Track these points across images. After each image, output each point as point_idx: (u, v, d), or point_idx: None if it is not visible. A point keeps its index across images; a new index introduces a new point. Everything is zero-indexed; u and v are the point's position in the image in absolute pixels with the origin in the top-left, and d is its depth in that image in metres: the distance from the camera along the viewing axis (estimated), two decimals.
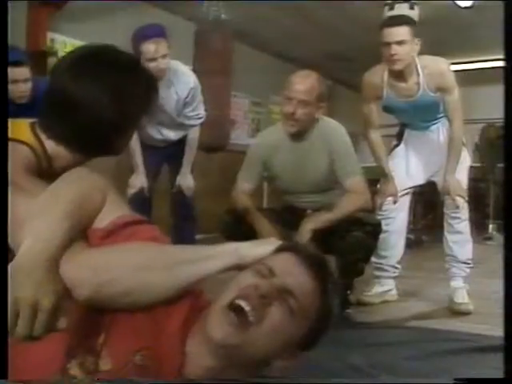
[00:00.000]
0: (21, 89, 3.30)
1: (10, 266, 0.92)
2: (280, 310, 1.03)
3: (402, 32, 2.93)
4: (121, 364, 0.99)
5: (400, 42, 2.92)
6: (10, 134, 1.26)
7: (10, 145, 1.24)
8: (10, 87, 3.22)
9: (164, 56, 3.21)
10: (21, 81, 3.29)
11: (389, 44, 2.94)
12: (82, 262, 1.00)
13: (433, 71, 3.02)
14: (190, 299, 1.10)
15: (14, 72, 3.22)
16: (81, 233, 1.06)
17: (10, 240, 1.03)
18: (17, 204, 1.06)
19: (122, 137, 1.41)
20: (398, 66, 2.99)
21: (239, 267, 1.10)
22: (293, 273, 1.07)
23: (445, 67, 3.08)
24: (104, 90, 1.30)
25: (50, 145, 1.35)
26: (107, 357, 1.00)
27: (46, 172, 1.28)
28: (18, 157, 1.24)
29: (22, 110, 3.21)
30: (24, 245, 0.94)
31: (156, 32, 3.24)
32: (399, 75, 3.05)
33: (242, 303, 1.00)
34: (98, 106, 1.30)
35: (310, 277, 1.08)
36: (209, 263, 1.08)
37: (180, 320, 1.06)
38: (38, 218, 0.99)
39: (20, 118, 1.39)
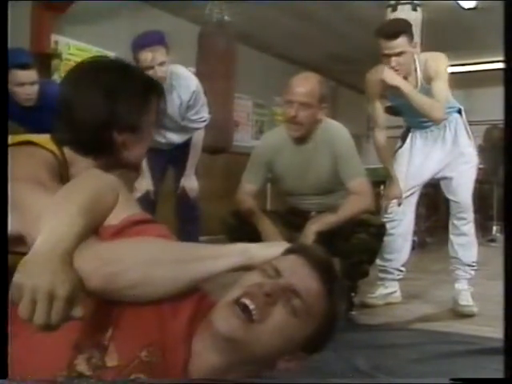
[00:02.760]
0: (27, 91, 3.29)
1: (26, 257, 0.93)
2: (284, 309, 1.03)
3: (400, 43, 2.93)
4: (127, 360, 1.00)
5: (399, 53, 2.93)
6: (31, 139, 1.35)
7: (34, 148, 1.32)
8: (17, 90, 3.22)
9: (161, 64, 3.22)
10: (27, 83, 3.28)
11: (388, 56, 2.96)
12: (93, 253, 1.02)
13: (426, 63, 3.03)
14: (197, 298, 1.11)
15: (20, 75, 3.22)
16: (94, 230, 1.08)
17: (27, 235, 1.06)
18: (38, 198, 1.10)
19: (124, 140, 1.42)
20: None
21: (247, 268, 1.11)
22: (299, 274, 1.08)
23: (438, 57, 3.07)
24: (100, 93, 1.37)
25: (69, 153, 1.40)
26: (114, 352, 1.01)
27: (65, 179, 1.32)
28: (41, 159, 1.30)
29: (29, 113, 3.23)
30: (40, 237, 0.96)
31: (153, 40, 3.25)
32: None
33: (247, 301, 1.01)
34: (90, 105, 1.37)
35: (317, 279, 1.08)
36: (218, 261, 1.10)
37: (186, 318, 1.07)
38: (55, 213, 1.01)
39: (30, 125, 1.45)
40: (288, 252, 1.14)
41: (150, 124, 1.49)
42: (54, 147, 1.37)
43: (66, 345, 1.00)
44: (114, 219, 1.12)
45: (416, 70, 3.05)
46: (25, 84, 3.26)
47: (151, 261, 1.05)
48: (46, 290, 0.89)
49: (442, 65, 3.05)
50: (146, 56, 3.19)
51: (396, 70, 2.97)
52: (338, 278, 1.16)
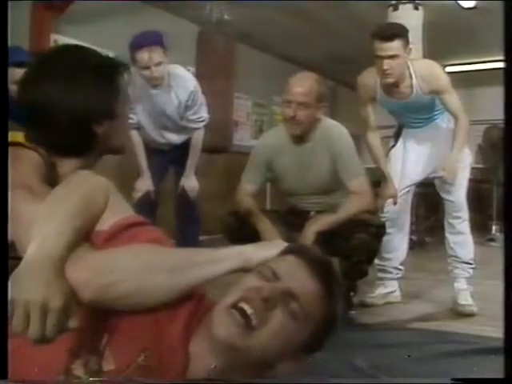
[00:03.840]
0: None
1: (17, 269, 0.92)
2: (283, 313, 1.02)
3: (394, 46, 2.91)
4: (124, 364, 1.00)
5: (392, 57, 2.91)
6: (19, 140, 1.29)
7: (22, 150, 1.27)
8: (14, 87, 3.23)
9: (158, 64, 3.23)
10: None
11: (381, 57, 2.93)
12: (86, 263, 1.00)
13: (426, 75, 3.02)
14: (193, 301, 1.10)
15: (18, 73, 3.22)
16: (85, 235, 1.06)
17: (17, 242, 1.04)
18: (27, 205, 1.07)
19: (104, 129, 1.35)
20: (390, 80, 2.99)
21: (244, 270, 1.10)
22: (297, 276, 1.07)
23: (438, 70, 3.08)
24: (58, 85, 1.29)
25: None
26: (110, 357, 1.00)
27: (54, 179, 1.28)
28: (31, 162, 1.25)
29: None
30: (31, 247, 0.95)
31: (150, 40, 3.25)
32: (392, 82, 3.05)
33: (245, 306, 1.00)
34: (58, 103, 1.29)
35: (315, 280, 1.07)
36: (214, 266, 1.08)
37: (183, 321, 1.06)
38: (44, 221, 1.00)
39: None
40: (285, 252, 1.13)
41: (123, 106, 1.42)
42: (41, 149, 1.31)
43: (63, 350, 0.99)
44: (106, 223, 1.10)
45: (411, 76, 3.02)
46: None
47: (145, 269, 1.04)
48: (39, 303, 0.89)
49: (441, 74, 3.06)
50: (143, 56, 3.20)
51: (388, 74, 2.95)
52: (336, 278, 1.16)
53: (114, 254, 1.06)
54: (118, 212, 1.12)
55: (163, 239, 1.16)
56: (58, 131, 1.31)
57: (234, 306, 1.01)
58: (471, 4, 6.08)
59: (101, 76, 1.34)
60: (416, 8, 5.49)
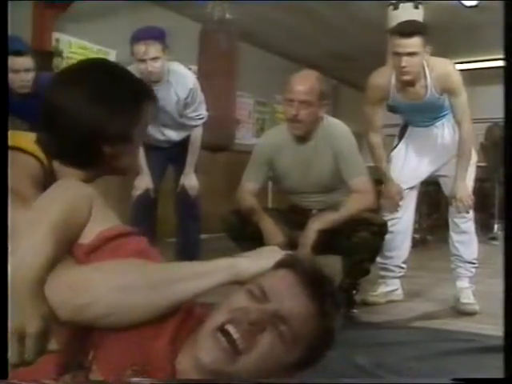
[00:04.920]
0: (22, 78, 3.32)
1: None
2: (271, 337, 0.99)
3: (414, 43, 2.84)
4: (112, 378, 0.98)
5: (411, 54, 2.84)
6: (19, 144, 1.26)
7: (20, 155, 1.24)
8: (12, 77, 3.24)
9: (154, 59, 3.23)
10: (22, 70, 3.31)
11: (399, 54, 2.87)
12: (63, 282, 0.97)
13: (440, 73, 2.96)
14: (181, 313, 1.06)
15: (15, 61, 3.24)
16: (68, 248, 1.03)
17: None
18: (15, 213, 1.02)
19: (115, 151, 1.34)
20: (407, 77, 2.93)
21: (236, 282, 1.07)
22: (288, 295, 1.02)
23: (451, 69, 3.03)
24: (84, 98, 1.28)
25: (56, 163, 1.33)
26: (97, 372, 0.98)
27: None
28: (26, 168, 1.23)
29: (25, 101, 3.24)
30: (10, 262, 0.92)
31: (149, 34, 3.26)
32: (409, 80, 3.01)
33: (231, 330, 0.97)
34: (78, 114, 1.27)
35: (308, 296, 1.03)
36: (201, 280, 1.05)
37: (169, 336, 1.03)
38: (25, 233, 0.97)
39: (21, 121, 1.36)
40: (279, 266, 1.08)
41: (141, 132, 1.40)
42: (41, 155, 1.30)
43: (49, 370, 0.97)
44: (88, 235, 1.06)
45: (426, 76, 2.97)
46: (19, 71, 3.28)
47: (124, 288, 0.99)
48: (15, 329, 0.87)
49: (455, 73, 3.01)
50: (140, 48, 3.21)
51: (405, 72, 2.90)
52: (331, 292, 1.10)
53: (90, 272, 1.01)
54: (101, 222, 1.08)
55: (148, 250, 1.12)
56: (70, 141, 1.29)
57: (221, 327, 0.97)
58: (473, 2, 6.07)
59: (128, 101, 1.33)
60: (416, 7, 5.49)
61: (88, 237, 1.06)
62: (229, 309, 1.01)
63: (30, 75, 3.35)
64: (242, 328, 0.97)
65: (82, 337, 1.00)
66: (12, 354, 0.87)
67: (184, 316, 1.06)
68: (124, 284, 1.00)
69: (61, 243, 0.99)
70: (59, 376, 0.97)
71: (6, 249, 0.95)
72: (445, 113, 3.20)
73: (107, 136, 1.30)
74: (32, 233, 0.97)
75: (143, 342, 1.01)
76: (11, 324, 0.87)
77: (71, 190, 1.09)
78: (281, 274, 1.06)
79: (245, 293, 1.03)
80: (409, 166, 3.29)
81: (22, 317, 0.88)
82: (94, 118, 1.27)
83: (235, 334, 0.96)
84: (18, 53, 3.26)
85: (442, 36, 6.03)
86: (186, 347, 1.03)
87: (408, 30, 2.89)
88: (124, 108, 1.32)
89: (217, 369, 0.97)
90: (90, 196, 1.09)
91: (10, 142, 1.18)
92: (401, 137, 3.40)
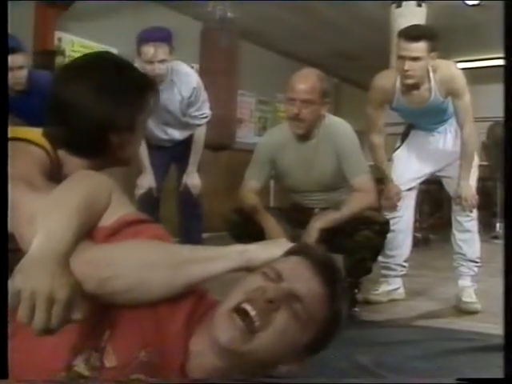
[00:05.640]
0: (15, 75, 3.31)
1: (23, 260, 0.93)
2: (286, 315, 1.02)
3: (419, 48, 2.84)
4: (126, 360, 1.00)
5: (415, 58, 2.85)
6: (27, 136, 1.31)
7: (28, 146, 1.29)
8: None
9: (162, 61, 3.23)
10: (15, 68, 3.30)
11: (403, 58, 2.87)
12: (87, 258, 1.01)
13: (444, 76, 2.96)
14: (194, 298, 1.10)
15: (9, 59, 3.24)
16: (89, 231, 1.08)
17: (18, 236, 1.05)
18: (29, 199, 1.08)
19: (121, 140, 1.39)
20: (410, 81, 2.93)
21: (247, 269, 1.10)
22: (301, 277, 1.06)
23: (456, 71, 3.02)
24: (91, 90, 1.32)
25: (62, 152, 1.37)
26: (112, 353, 1.01)
27: (56, 178, 1.29)
28: (34, 157, 1.27)
29: (19, 98, 3.25)
30: (36, 241, 0.96)
31: (158, 36, 3.26)
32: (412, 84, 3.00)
33: (248, 307, 1.00)
34: (86, 105, 1.32)
35: (319, 281, 1.07)
36: (215, 264, 1.08)
37: (183, 318, 1.07)
38: (50, 216, 1.01)
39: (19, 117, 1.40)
40: (290, 253, 1.12)
41: (144, 122, 1.47)
42: (47, 145, 1.34)
43: (64, 346, 1.00)
44: (108, 220, 1.11)
45: (430, 80, 2.96)
46: (13, 68, 3.28)
47: (146, 264, 1.04)
48: (45, 294, 0.89)
49: (459, 76, 3.00)
50: (149, 50, 3.20)
51: (408, 75, 2.89)
52: (341, 278, 1.15)
53: (115, 248, 1.07)
54: (120, 209, 1.13)
55: (165, 236, 1.17)
56: (80, 131, 1.34)
57: (237, 307, 1.01)
58: (475, 1, 6.07)
59: (134, 92, 1.39)
60: (419, 5, 5.49)
61: (108, 220, 1.11)
62: (245, 290, 1.04)
63: (24, 72, 3.36)
64: (258, 306, 1.00)
65: (99, 316, 1.02)
66: (38, 320, 0.90)
67: (197, 302, 1.10)
68: (145, 261, 1.05)
69: (83, 226, 1.04)
70: (73, 354, 1.00)
71: (7, 249, 0.97)
72: (448, 118, 3.20)
73: (115, 125, 1.35)
74: (57, 213, 1.01)
75: (158, 322, 1.05)
76: (41, 290, 0.89)
77: (92, 178, 1.16)
78: (293, 259, 1.11)
79: (260, 275, 1.06)
80: (410, 168, 3.29)
81: (52, 284, 0.91)
82: (102, 109, 1.32)
83: (252, 312, 1.00)
84: (11, 50, 3.26)
85: (444, 34, 6.02)
86: (200, 329, 1.07)
87: (414, 34, 2.89)
88: (130, 98, 1.37)
89: (233, 348, 1.00)
90: (109, 183, 1.15)
91: (19, 135, 1.27)
92: (403, 139, 3.40)
